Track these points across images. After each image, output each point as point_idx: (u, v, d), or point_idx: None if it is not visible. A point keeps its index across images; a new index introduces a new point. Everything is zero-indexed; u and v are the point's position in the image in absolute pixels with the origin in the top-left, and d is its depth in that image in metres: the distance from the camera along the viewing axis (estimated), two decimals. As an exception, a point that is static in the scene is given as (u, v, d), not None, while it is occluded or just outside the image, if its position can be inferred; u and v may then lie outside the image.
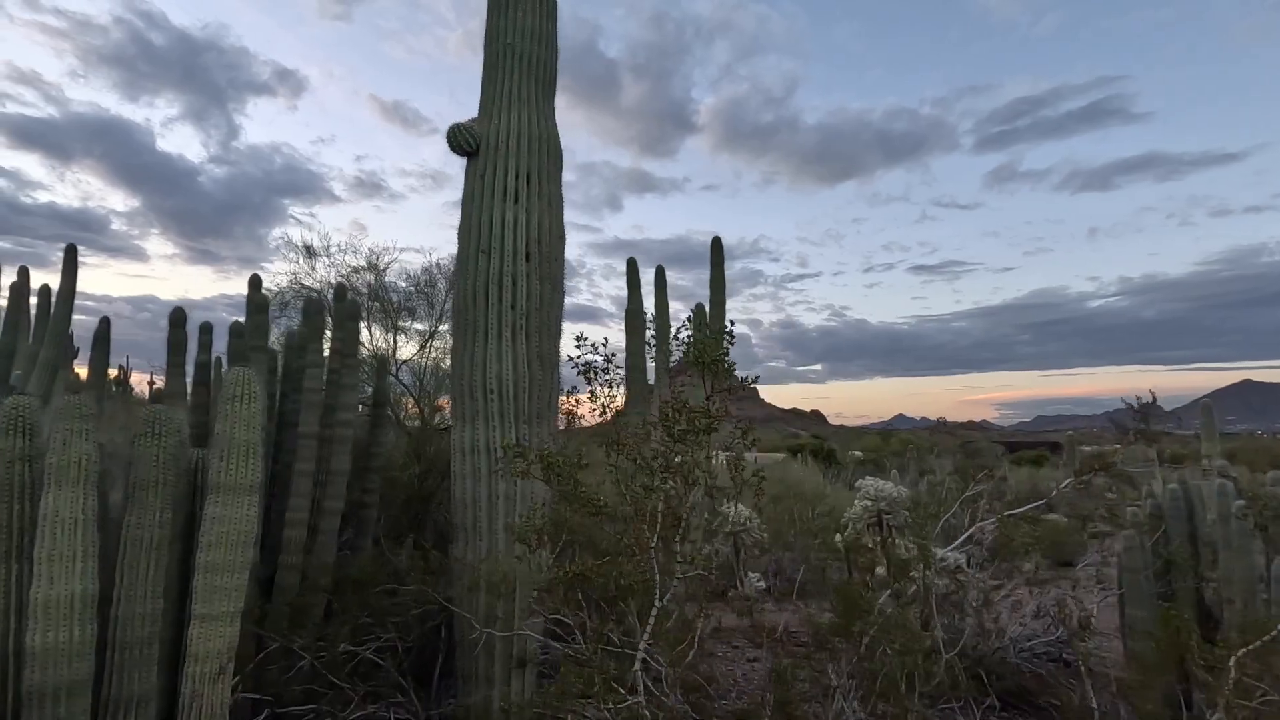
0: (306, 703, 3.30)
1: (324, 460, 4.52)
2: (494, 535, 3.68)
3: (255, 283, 4.80)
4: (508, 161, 3.92)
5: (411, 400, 7.55)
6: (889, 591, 4.62)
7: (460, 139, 3.92)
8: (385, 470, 5.48)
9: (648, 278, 6.52)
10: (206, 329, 5.17)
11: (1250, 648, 3.22)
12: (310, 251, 7.87)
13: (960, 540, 4.95)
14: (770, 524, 11.45)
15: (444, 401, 7.63)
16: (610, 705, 2.61)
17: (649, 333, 6.23)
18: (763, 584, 9.58)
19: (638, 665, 2.73)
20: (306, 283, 7.79)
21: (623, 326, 6.23)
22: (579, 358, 3.34)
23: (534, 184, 3.95)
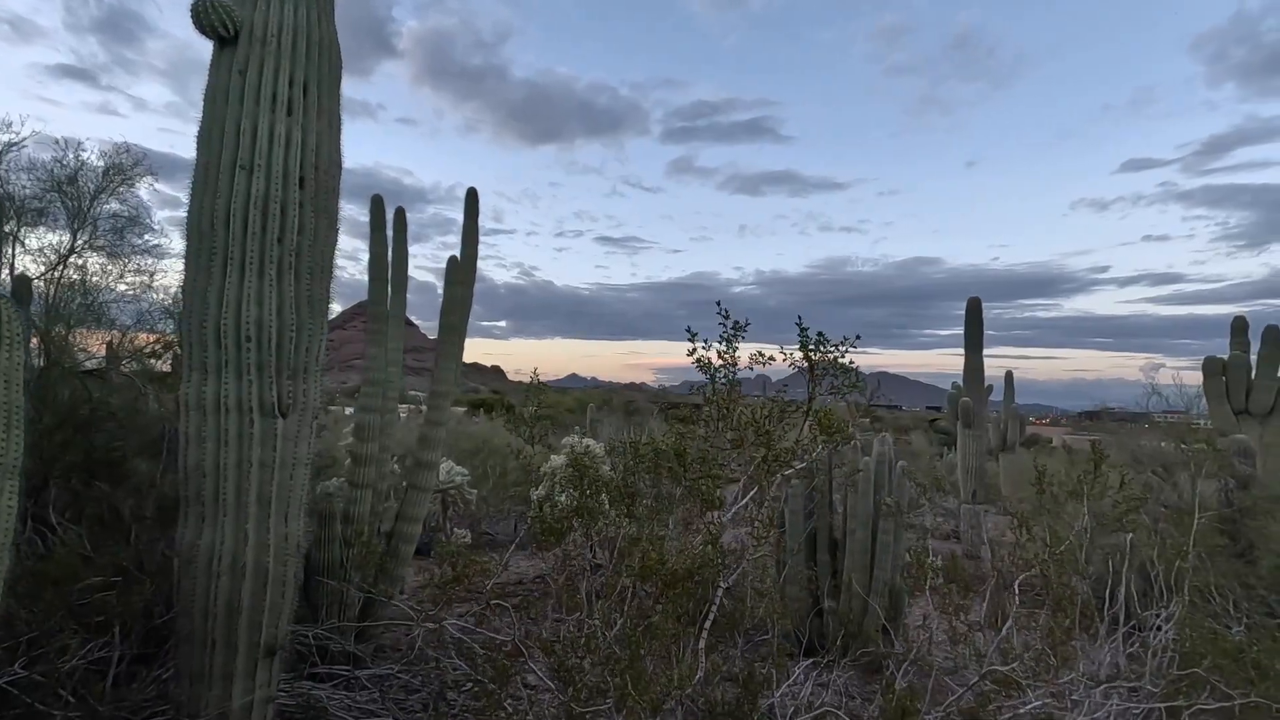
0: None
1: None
2: (243, 509, 3.09)
3: None
4: (279, 61, 3.21)
5: (35, 334, 5.67)
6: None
7: (213, 18, 3.08)
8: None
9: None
10: None
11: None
12: None
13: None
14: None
15: (94, 338, 5.94)
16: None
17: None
18: (469, 539, 9.63)
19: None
20: None
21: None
22: (693, 354, 3.54)
23: (311, 96, 3.32)
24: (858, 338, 3.83)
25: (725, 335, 3.81)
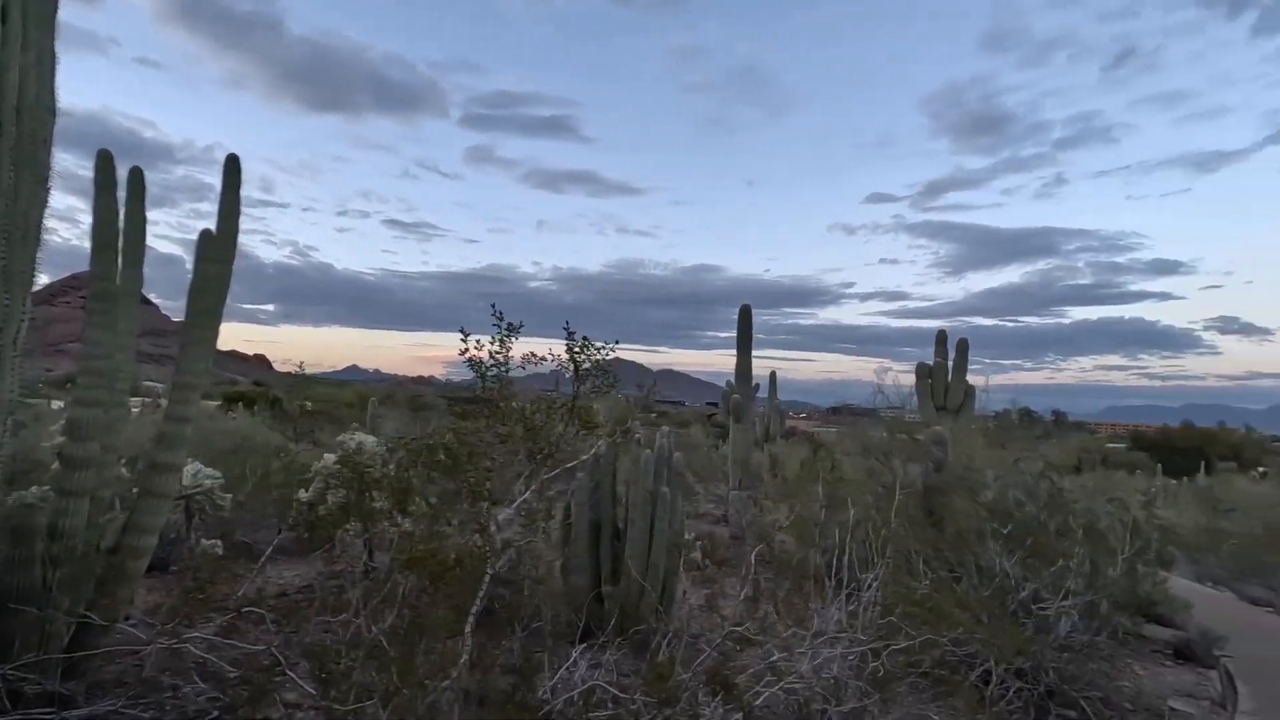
0: None
1: None
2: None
3: None
4: (-33, -24, 2.60)
5: None
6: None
7: None
8: None
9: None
10: None
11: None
12: None
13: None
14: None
15: None
16: None
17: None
18: (220, 550, 8.50)
19: None
20: None
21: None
22: (465, 354, 3.30)
23: (13, 24, 2.73)
24: (616, 342, 4.16)
25: (499, 336, 3.87)
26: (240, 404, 25.34)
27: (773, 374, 19.45)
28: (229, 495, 9.09)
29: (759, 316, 14.11)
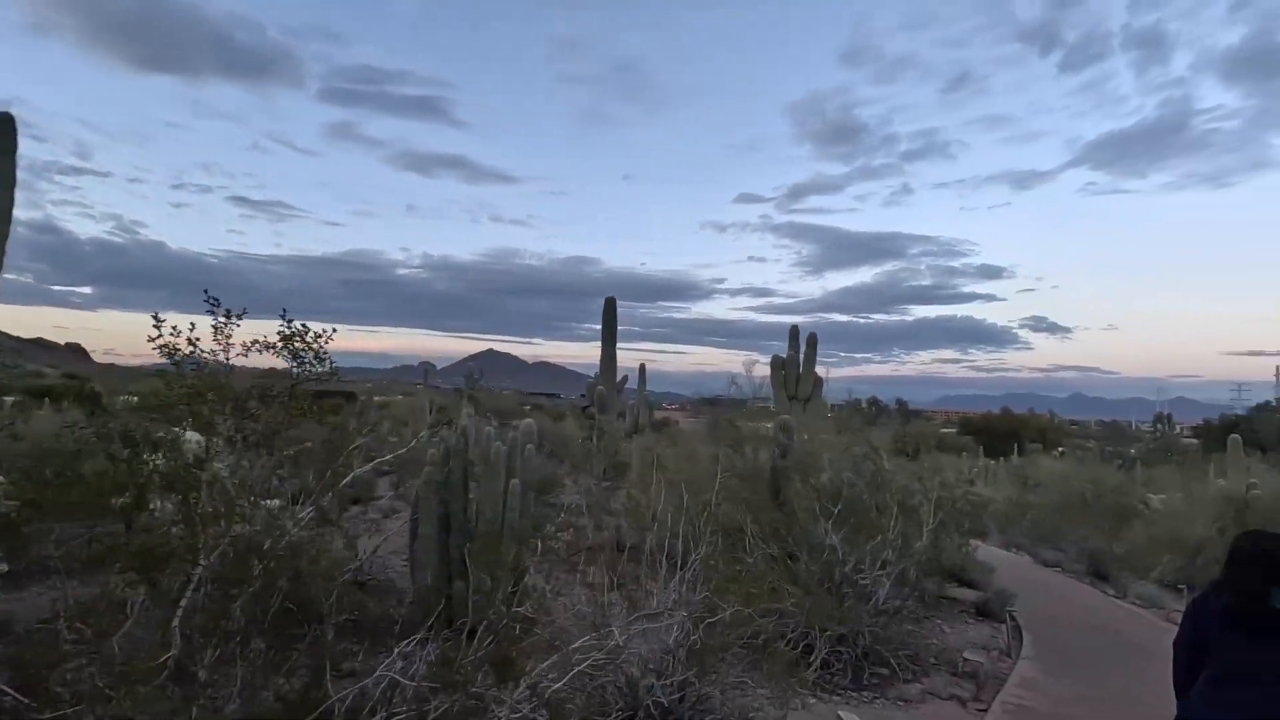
0: None
1: None
2: None
3: None
4: None
5: None
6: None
7: None
8: None
9: None
10: None
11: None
12: None
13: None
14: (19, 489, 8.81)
15: None
16: None
17: None
18: (4, 566, 7.41)
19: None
20: None
21: None
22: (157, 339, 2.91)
23: None
24: (334, 330, 4.19)
25: (215, 325, 3.75)
26: (47, 399, 22.28)
27: (641, 366, 19.88)
28: (14, 503, 7.94)
29: (635, 309, 14.51)
